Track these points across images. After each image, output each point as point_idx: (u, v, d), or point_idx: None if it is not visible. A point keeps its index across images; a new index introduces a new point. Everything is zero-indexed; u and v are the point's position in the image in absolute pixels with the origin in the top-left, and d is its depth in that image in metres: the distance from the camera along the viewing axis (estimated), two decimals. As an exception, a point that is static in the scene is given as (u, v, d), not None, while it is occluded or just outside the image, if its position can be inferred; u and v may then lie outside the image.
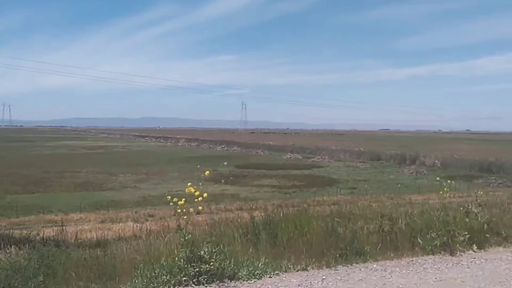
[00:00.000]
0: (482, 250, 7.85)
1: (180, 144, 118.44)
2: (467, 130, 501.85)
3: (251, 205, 28.74)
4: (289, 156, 73.63)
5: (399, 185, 39.00)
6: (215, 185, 40.77)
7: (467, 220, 8.16)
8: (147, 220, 23.95)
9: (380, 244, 6.96)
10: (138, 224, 22.13)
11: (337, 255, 6.51)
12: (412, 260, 6.88)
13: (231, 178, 44.46)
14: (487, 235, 8.24)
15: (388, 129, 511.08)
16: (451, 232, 7.78)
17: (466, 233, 7.64)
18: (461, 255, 7.53)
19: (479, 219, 8.34)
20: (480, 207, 9.00)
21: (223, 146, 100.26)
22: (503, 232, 8.41)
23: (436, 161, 60.78)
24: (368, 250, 6.75)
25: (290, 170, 52.67)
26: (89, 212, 26.73)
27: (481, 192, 12.77)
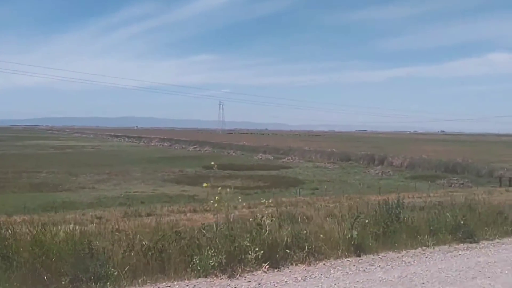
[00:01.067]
0: (276, 270, 7.08)
1: (152, 144, 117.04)
2: (441, 131, 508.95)
3: (204, 207, 28.40)
4: (260, 157, 73.16)
5: (360, 186, 38.66)
6: (177, 186, 40.38)
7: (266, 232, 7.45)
8: (91, 223, 23.06)
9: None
10: (80, 227, 21.40)
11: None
12: (170, 286, 6.28)
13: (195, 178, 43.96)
14: (287, 250, 7.63)
15: (366, 130, 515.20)
16: (237, 249, 6.99)
17: (258, 249, 6.94)
18: (243, 277, 6.62)
19: (281, 232, 7.75)
20: (273, 218, 8.36)
21: (195, 146, 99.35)
22: (310, 246, 7.91)
23: (404, 162, 61.04)
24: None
25: (257, 171, 52.20)
26: (35, 214, 25.69)
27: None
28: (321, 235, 8.17)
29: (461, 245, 9.41)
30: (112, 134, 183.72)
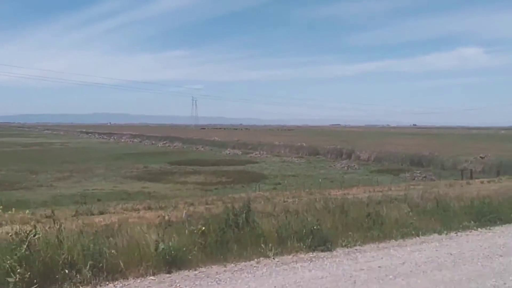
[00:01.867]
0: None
1: (123, 140, 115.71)
2: (413, 124, 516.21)
3: (160, 204, 27.97)
4: (229, 152, 72.93)
5: (321, 180, 38.80)
6: (138, 182, 39.79)
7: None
8: (39, 222, 22.49)
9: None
10: (23, 226, 20.84)
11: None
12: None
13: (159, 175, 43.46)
14: (67, 271, 6.37)
15: (339, 124, 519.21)
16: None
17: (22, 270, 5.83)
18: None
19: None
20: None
21: (165, 142, 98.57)
22: (101, 263, 6.70)
23: (371, 156, 61.56)
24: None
25: (223, 166, 51.94)
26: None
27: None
28: (123, 247, 7.12)
29: (309, 255, 8.13)
30: (84, 130, 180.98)
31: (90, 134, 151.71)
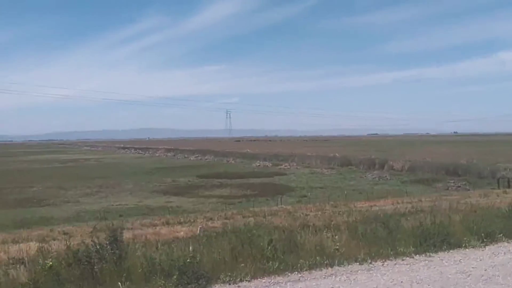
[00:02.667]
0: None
1: (157, 154, 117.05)
2: (454, 132, 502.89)
3: (179, 219, 27.65)
4: (258, 164, 72.36)
5: (346, 192, 37.64)
6: (163, 197, 39.70)
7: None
8: (55, 240, 22.48)
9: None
10: (40, 244, 20.78)
11: None
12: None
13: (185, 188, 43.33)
14: None
15: (377, 134, 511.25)
16: None
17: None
18: None
19: None
20: None
21: (197, 155, 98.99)
22: None
23: (404, 165, 59.78)
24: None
25: (250, 179, 51.37)
26: (2, 231, 25.20)
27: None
28: None
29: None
30: (122, 146, 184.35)
31: (126, 150, 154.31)
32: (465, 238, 10.71)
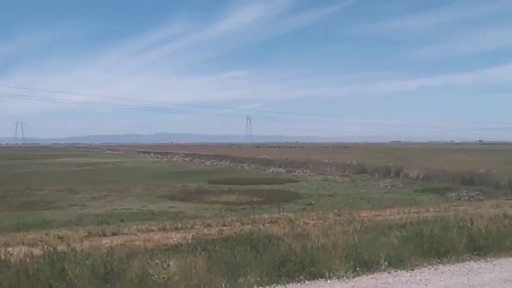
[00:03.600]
0: None
1: (174, 159, 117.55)
2: (479, 140, 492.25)
3: (177, 225, 27.36)
4: (272, 170, 71.87)
5: (351, 200, 36.82)
6: (169, 202, 39.50)
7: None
8: (47, 244, 22.38)
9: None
10: (27, 248, 20.68)
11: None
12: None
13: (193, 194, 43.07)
14: None
15: (400, 141, 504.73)
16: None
17: None
18: None
19: None
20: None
21: (213, 161, 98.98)
22: None
23: (420, 174, 58.55)
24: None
25: (260, 185, 50.92)
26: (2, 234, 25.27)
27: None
28: None
29: None
30: (143, 150, 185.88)
31: (146, 154, 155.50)
32: (333, 267, 9.48)
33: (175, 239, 20.85)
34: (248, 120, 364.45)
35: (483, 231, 11.57)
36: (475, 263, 9.79)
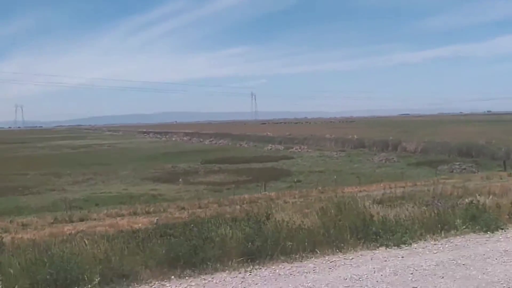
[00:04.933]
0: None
1: (173, 139, 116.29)
2: (488, 111, 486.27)
3: (149, 209, 26.04)
4: (270, 147, 70.43)
5: (335, 177, 35.17)
6: (152, 184, 38.10)
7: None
8: (6, 232, 21.04)
9: None
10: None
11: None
12: None
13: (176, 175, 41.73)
14: None
15: (408, 114, 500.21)
16: None
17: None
18: None
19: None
20: None
21: (212, 139, 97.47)
22: None
23: (418, 147, 56.78)
24: None
25: (253, 163, 49.44)
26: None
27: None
28: None
29: None
30: (144, 130, 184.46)
31: (146, 134, 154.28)
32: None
33: (141, 224, 19.57)
34: (253, 96, 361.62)
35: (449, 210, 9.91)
36: (431, 242, 8.20)
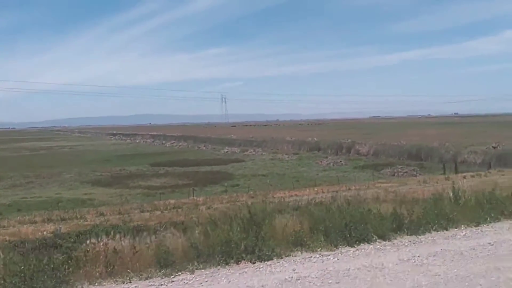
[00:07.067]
0: None
1: (137, 141, 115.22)
2: (455, 113, 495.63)
3: (66, 215, 25.30)
4: (227, 150, 70.07)
5: (268, 181, 35.18)
6: (90, 188, 37.35)
7: None
8: None
9: None
10: None
11: None
12: None
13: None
14: None
15: (379, 116, 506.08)
16: None
17: None
18: None
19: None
20: None
21: (173, 142, 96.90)
22: None
23: (370, 150, 57.21)
24: None
25: (202, 167, 49.05)
26: None
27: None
28: None
29: None
30: (113, 132, 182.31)
31: (112, 136, 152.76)
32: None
33: (45, 232, 19.00)
34: (223, 99, 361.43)
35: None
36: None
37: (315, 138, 78.10)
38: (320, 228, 8.85)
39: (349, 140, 67.71)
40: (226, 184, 35.59)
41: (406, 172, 38.44)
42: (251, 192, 29.68)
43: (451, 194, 11.33)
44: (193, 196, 29.75)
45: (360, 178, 36.49)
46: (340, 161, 48.20)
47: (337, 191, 26.81)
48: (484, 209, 10.02)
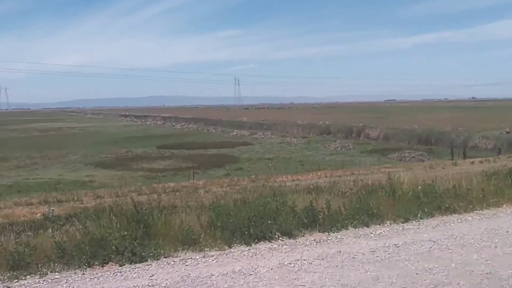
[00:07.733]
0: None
1: (148, 123, 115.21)
2: (472, 97, 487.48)
3: (63, 197, 25.02)
4: (235, 133, 69.54)
5: (270, 165, 34.53)
6: (93, 170, 37.09)
7: None
8: None
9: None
10: None
11: None
12: None
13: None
14: None
15: (394, 100, 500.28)
16: None
17: None
18: None
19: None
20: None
21: (183, 124, 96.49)
22: None
23: (380, 134, 56.18)
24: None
25: (208, 149, 48.52)
26: None
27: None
28: None
29: None
30: (126, 114, 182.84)
31: (123, 118, 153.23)
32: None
33: (38, 214, 18.68)
34: (237, 81, 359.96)
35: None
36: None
37: (326, 122, 77.07)
38: (218, 224, 7.96)
39: (361, 124, 66.70)
40: (227, 167, 34.99)
41: (413, 157, 37.54)
42: (253, 176, 29.19)
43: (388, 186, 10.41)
44: (193, 180, 29.31)
45: (366, 163, 35.67)
46: (348, 145, 47.34)
47: (340, 176, 26.26)
48: (421, 203, 9.10)
